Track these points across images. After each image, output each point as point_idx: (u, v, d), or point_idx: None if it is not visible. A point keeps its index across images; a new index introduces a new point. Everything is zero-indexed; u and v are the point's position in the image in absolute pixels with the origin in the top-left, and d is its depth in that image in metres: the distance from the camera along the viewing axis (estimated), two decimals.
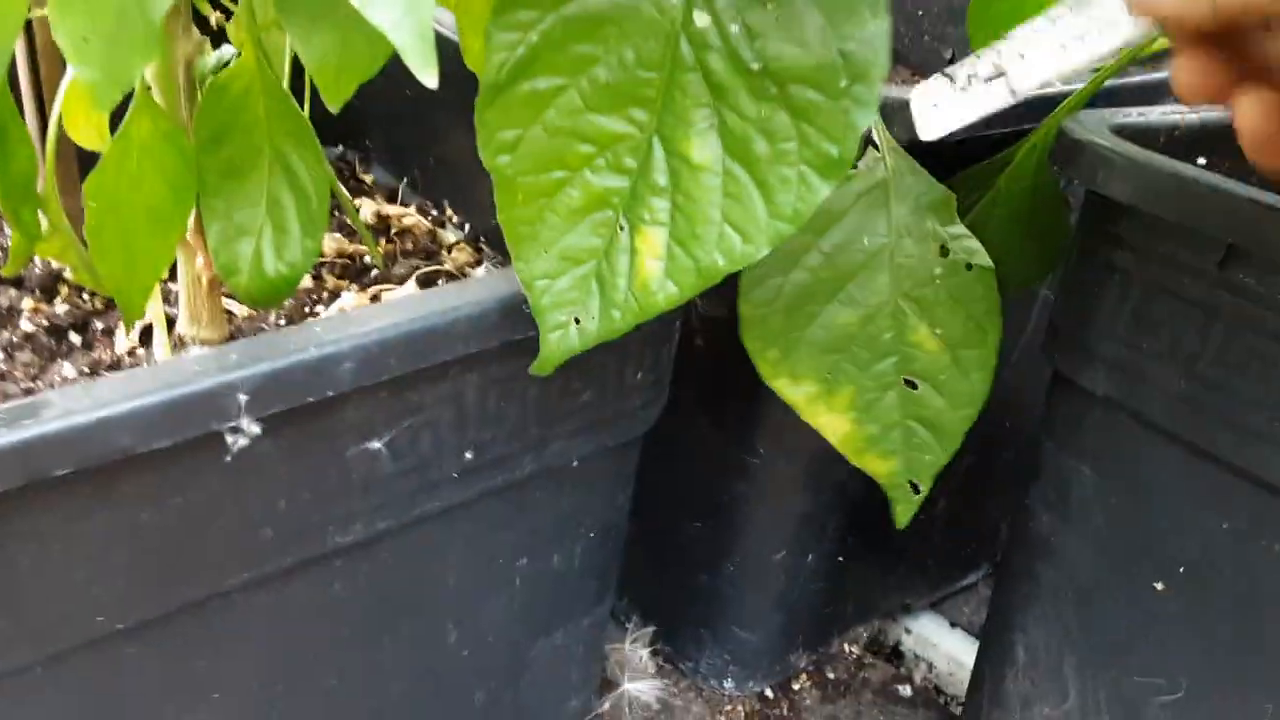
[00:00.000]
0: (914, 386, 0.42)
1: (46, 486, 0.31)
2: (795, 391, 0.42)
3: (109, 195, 0.38)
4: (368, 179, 0.63)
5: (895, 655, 0.73)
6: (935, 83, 0.34)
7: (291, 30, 0.33)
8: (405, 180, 0.62)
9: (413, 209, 0.59)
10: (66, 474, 0.31)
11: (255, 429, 0.33)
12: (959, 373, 0.42)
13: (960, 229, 0.41)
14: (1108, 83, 0.52)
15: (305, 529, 0.38)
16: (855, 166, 0.40)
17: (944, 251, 0.41)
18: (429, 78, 0.23)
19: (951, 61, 0.80)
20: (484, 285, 0.38)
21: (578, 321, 0.35)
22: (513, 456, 0.42)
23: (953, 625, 0.75)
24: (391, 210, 0.59)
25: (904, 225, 0.40)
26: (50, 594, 0.34)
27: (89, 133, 0.42)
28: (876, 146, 0.41)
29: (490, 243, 0.57)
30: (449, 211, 0.59)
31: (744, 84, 0.32)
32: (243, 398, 0.32)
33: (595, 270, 0.35)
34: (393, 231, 0.57)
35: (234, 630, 0.39)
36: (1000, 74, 0.33)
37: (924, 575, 0.73)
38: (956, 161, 0.47)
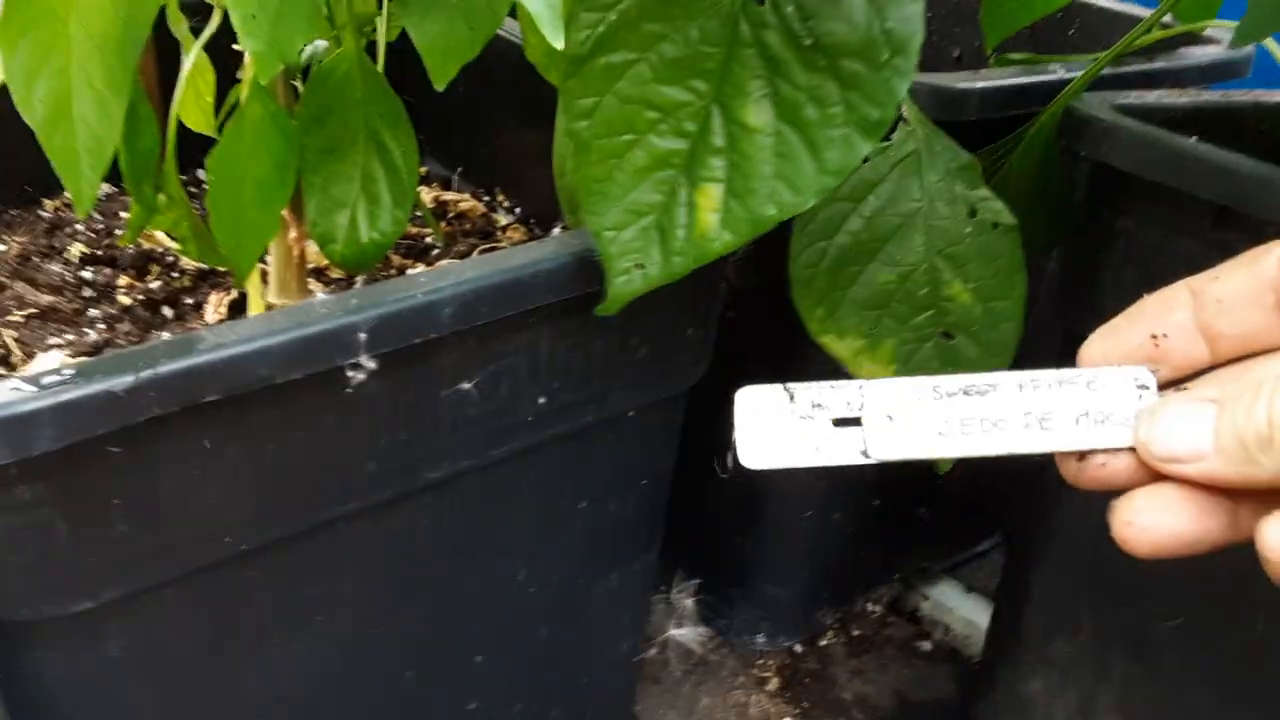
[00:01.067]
0: (950, 338, 0.46)
1: (194, 412, 0.36)
2: (841, 346, 0.46)
3: (224, 170, 0.43)
4: (423, 170, 0.68)
5: (914, 619, 0.78)
6: (769, 397, 0.27)
7: (406, 20, 0.38)
8: (458, 170, 0.66)
9: (467, 196, 0.64)
10: (211, 401, 0.35)
11: (372, 364, 0.38)
12: (990, 323, 0.46)
13: (986, 192, 0.45)
14: (1106, 71, 0.58)
15: (402, 464, 0.42)
16: (889, 139, 0.45)
17: (972, 213, 0.45)
18: (558, 40, 0.28)
19: (959, 62, 0.85)
20: (560, 243, 0.42)
21: (641, 267, 0.40)
22: (578, 405, 0.47)
23: (968, 590, 0.79)
24: (448, 196, 0.63)
25: (935, 190, 0.45)
26: (188, 514, 0.38)
27: (198, 117, 0.47)
28: (907, 121, 0.45)
29: (540, 224, 0.62)
30: (500, 197, 0.64)
31: (797, 57, 0.37)
32: (363, 336, 0.37)
33: (657, 222, 0.40)
34: (450, 215, 0.62)
35: (337, 557, 0.43)
36: (855, 421, 0.27)
37: (941, 540, 0.78)
38: (973, 140, 0.52)
